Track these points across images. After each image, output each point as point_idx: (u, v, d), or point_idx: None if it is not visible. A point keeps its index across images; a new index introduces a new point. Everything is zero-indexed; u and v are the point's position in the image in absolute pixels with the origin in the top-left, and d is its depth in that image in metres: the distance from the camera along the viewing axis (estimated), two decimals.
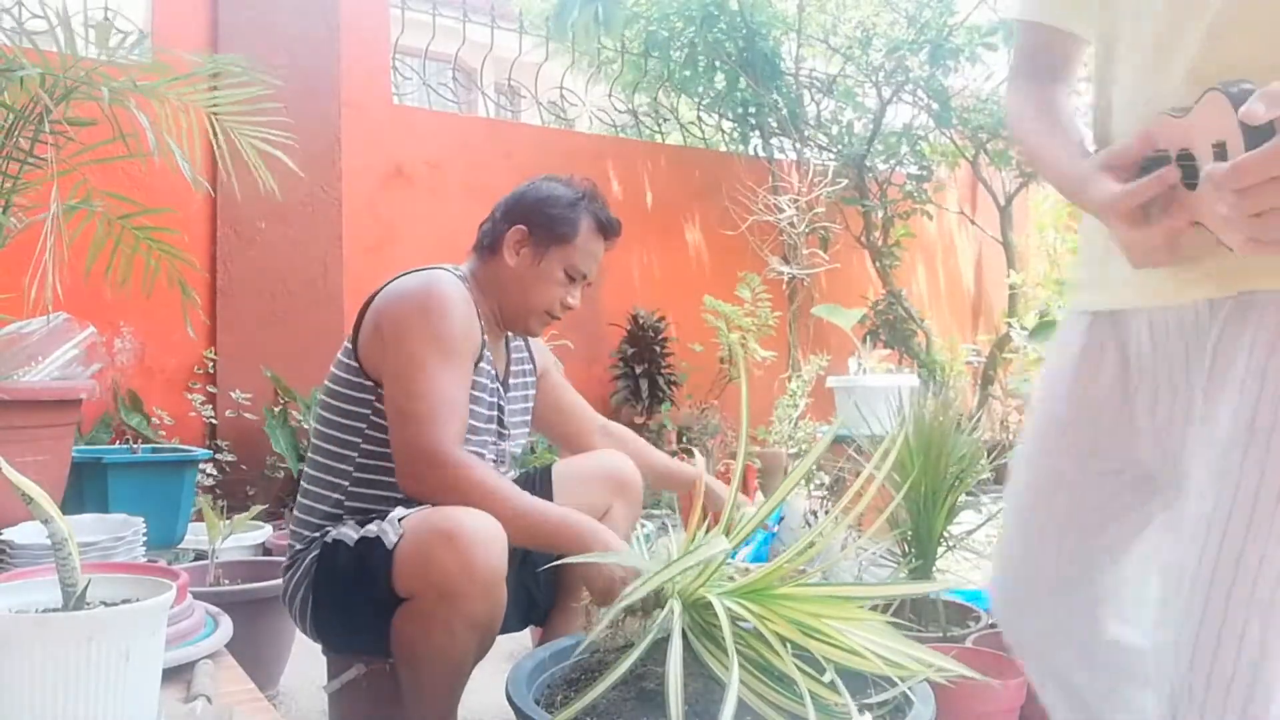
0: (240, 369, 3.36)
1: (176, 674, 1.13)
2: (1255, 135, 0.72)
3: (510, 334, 1.86)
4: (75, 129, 1.80)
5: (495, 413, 1.76)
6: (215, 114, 1.95)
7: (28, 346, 1.83)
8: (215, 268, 3.36)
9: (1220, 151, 0.77)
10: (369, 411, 1.63)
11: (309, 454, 1.72)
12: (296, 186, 3.48)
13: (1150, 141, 0.88)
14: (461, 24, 4.48)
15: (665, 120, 5.07)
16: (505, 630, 1.86)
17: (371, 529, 1.52)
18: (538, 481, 1.87)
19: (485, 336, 1.70)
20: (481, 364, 1.68)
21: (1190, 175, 0.83)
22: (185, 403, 3.26)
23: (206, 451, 2.87)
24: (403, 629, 1.45)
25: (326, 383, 1.70)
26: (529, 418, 1.93)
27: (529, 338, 1.93)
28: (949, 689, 1.60)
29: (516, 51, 4.61)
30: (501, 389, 1.79)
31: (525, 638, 2.17)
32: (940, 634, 1.93)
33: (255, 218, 3.41)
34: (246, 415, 3.27)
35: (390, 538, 1.47)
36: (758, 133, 5.20)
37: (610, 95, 4.85)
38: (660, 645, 1.52)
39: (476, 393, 1.67)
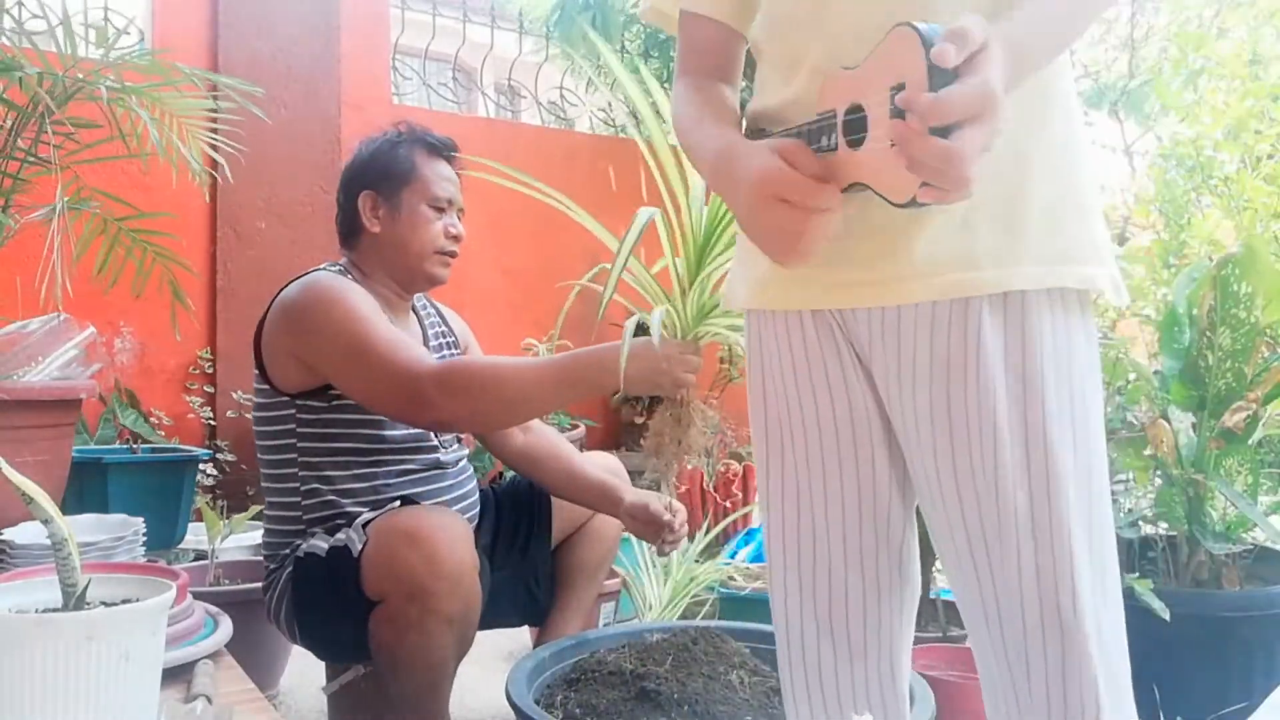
0: (240, 369, 3.35)
1: (176, 674, 1.13)
2: (941, 78, 0.65)
3: (419, 306, 1.84)
4: (76, 129, 1.80)
5: None
6: (186, 122, 1.94)
7: (28, 346, 1.83)
8: (215, 268, 3.36)
9: (899, 94, 0.68)
10: (293, 425, 1.63)
11: (263, 474, 1.71)
12: (296, 186, 3.48)
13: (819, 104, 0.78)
14: (461, 24, 4.48)
15: (665, 120, 5.07)
16: (505, 625, 1.86)
17: (340, 537, 1.51)
18: (533, 490, 1.86)
19: (388, 316, 1.67)
20: None
21: (857, 129, 0.73)
22: (185, 403, 3.26)
23: (206, 451, 2.87)
24: (377, 633, 1.45)
25: (254, 411, 1.70)
26: None
27: (442, 310, 1.92)
28: (949, 687, 1.60)
29: (516, 52, 4.61)
30: None
31: (525, 638, 2.17)
32: (940, 634, 1.93)
33: (255, 218, 3.41)
34: (246, 415, 3.27)
35: (356, 545, 1.46)
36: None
37: (610, 95, 4.84)
38: (657, 645, 1.52)
39: None
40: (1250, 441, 1.77)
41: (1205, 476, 1.75)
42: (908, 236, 0.85)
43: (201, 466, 2.85)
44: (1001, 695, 0.89)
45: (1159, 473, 1.89)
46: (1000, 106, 0.66)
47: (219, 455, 3.18)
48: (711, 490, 3.09)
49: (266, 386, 1.64)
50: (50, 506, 0.84)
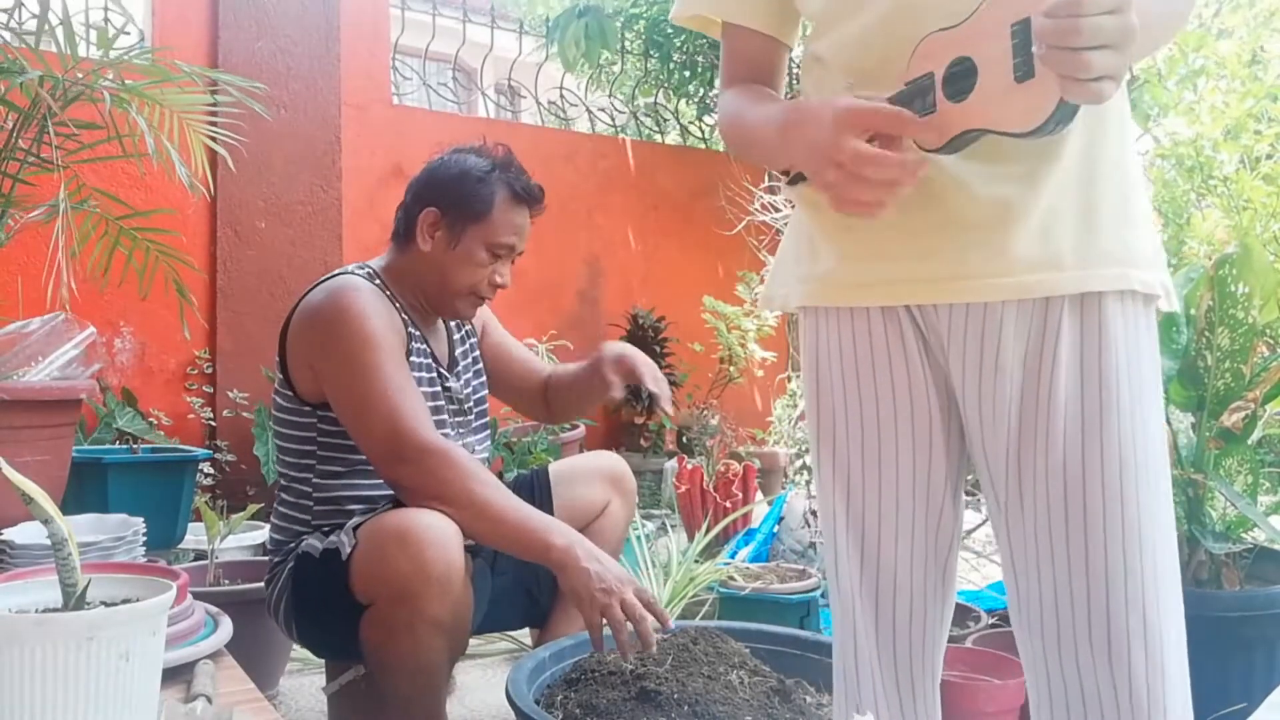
0: (240, 369, 3.36)
1: (176, 674, 1.13)
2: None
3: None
4: (77, 129, 1.80)
5: (440, 401, 1.70)
6: (186, 117, 1.94)
7: (28, 346, 1.83)
8: (215, 268, 3.36)
9: (1022, 29, 0.71)
10: (314, 434, 1.62)
11: (277, 470, 1.71)
12: (296, 186, 3.48)
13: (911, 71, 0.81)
14: (461, 24, 4.48)
15: (665, 120, 5.07)
16: (506, 629, 1.86)
17: (333, 539, 1.51)
18: (535, 482, 1.87)
19: (412, 329, 1.65)
20: (412, 357, 1.63)
21: (963, 79, 0.77)
22: (185, 403, 3.26)
23: (206, 451, 2.87)
24: (368, 636, 1.44)
25: (274, 410, 1.69)
26: (484, 379, 1.89)
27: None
28: (949, 687, 1.60)
29: (517, 52, 4.61)
30: (446, 372, 1.74)
31: (525, 638, 2.17)
32: None
33: (255, 218, 3.41)
34: (245, 415, 3.27)
35: (346, 547, 1.46)
36: None
37: (610, 95, 4.85)
38: (658, 645, 1.52)
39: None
40: (1249, 441, 1.77)
41: (1205, 476, 1.75)
42: (999, 236, 0.87)
43: (201, 466, 2.84)
44: (1053, 697, 0.89)
45: None
46: (1134, 27, 0.68)
47: (219, 455, 3.18)
48: (711, 490, 3.09)
49: (290, 392, 1.63)
50: (50, 506, 0.84)
